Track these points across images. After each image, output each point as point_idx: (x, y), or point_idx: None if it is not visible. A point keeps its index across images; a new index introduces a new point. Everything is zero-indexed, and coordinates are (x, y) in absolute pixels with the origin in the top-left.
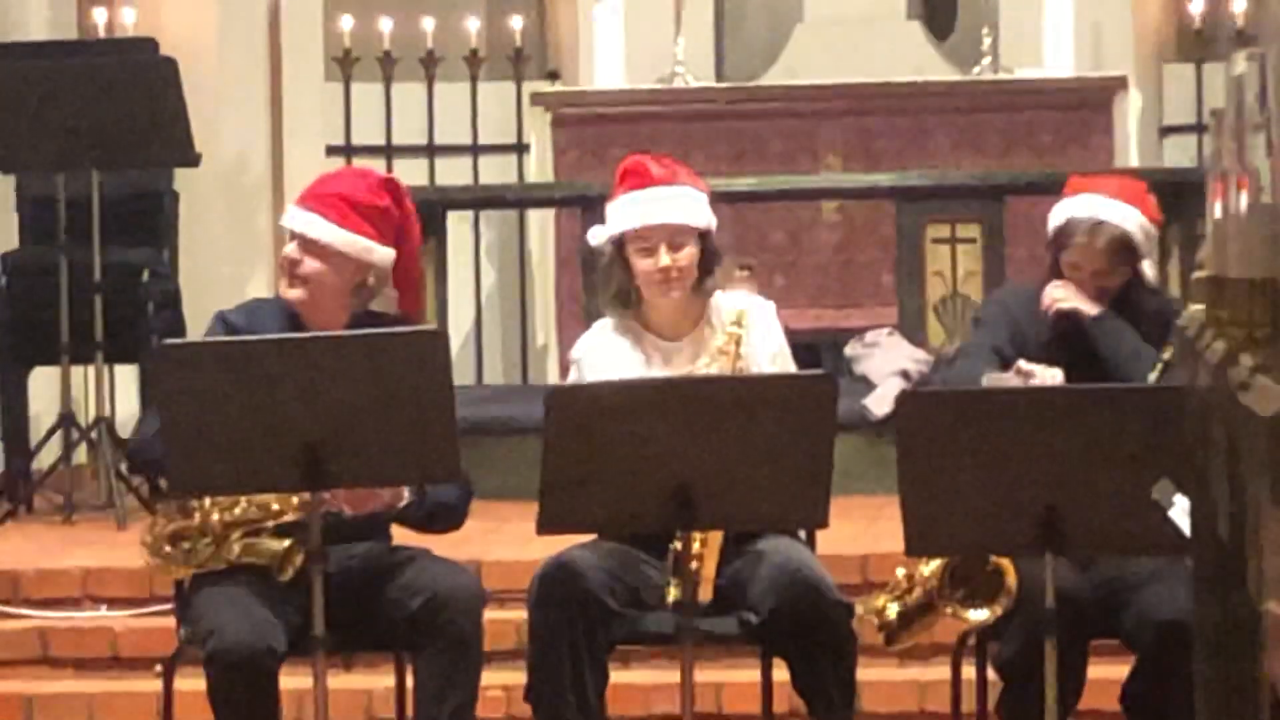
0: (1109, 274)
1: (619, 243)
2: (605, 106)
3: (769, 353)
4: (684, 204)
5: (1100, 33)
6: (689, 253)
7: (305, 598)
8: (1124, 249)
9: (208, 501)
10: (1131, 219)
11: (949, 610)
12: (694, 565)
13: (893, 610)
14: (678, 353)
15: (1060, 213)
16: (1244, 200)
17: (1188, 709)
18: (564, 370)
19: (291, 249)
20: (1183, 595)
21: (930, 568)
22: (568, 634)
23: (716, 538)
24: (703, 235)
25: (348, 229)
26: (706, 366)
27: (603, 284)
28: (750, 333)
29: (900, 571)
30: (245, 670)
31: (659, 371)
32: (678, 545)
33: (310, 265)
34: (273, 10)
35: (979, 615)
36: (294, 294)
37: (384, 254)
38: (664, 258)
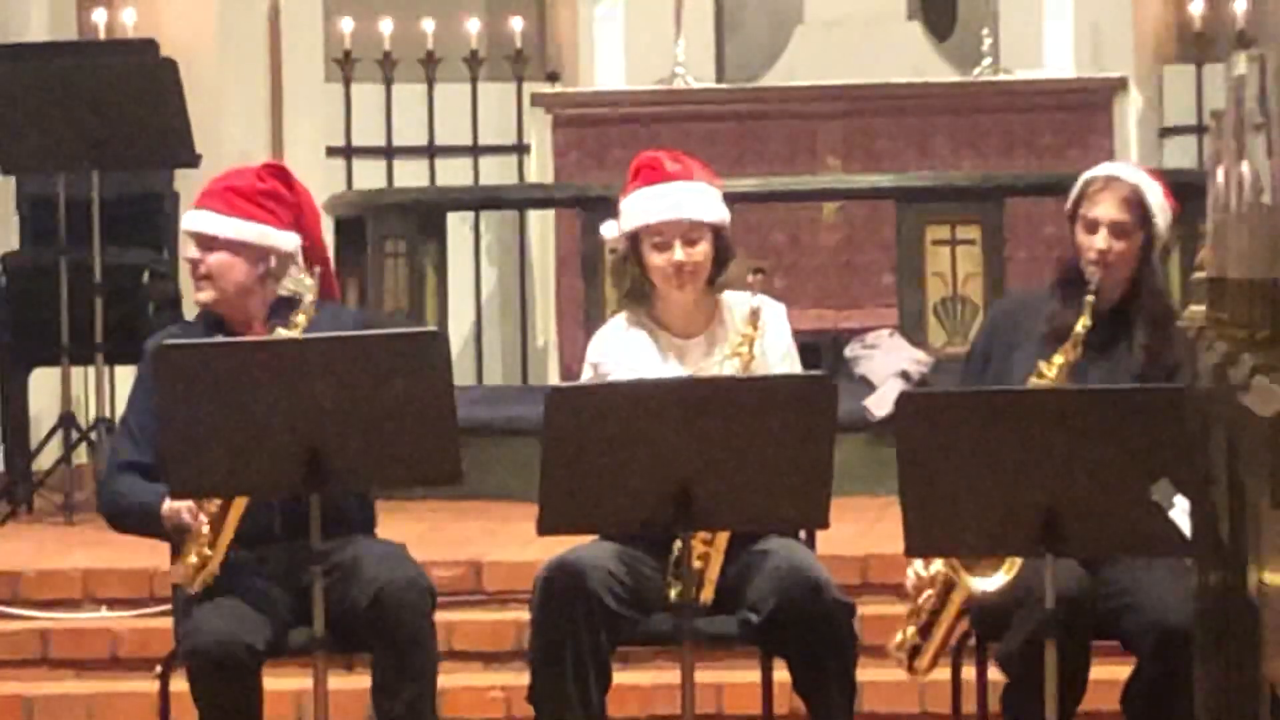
0: (1126, 229)
1: (633, 238)
2: (605, 107)
3: (780, 352)
4: (699, 199)
5: (1100, 33)
6: (704, 248)
7: (299, 598)
8: (1140, 208)
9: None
10: (1148, 183)
11: (958, 576)
12: (698, 565)
13: (911, 631)
14: (691, 349)
15: (1079, 180)
16: (1244, 201)
17: (1188, 710)
18: (565, 371)
19: (192, 251)
20: (1182, 597)
21: (934, 568)
22: (570, 635)
23: (724, 539)
24: (717, 231)
25: (237, 217)
26: (721, 364)
27: (616, 280)
28: (764, 333)
29: (907, 583)
30: (222, 667)
31: (675, 368)
32: (678, 545)
33: (211, 261)
34: (273, 11)
35: (989, 584)
36: (204, 296)
37: (281, 237)
38: (679, 253)
